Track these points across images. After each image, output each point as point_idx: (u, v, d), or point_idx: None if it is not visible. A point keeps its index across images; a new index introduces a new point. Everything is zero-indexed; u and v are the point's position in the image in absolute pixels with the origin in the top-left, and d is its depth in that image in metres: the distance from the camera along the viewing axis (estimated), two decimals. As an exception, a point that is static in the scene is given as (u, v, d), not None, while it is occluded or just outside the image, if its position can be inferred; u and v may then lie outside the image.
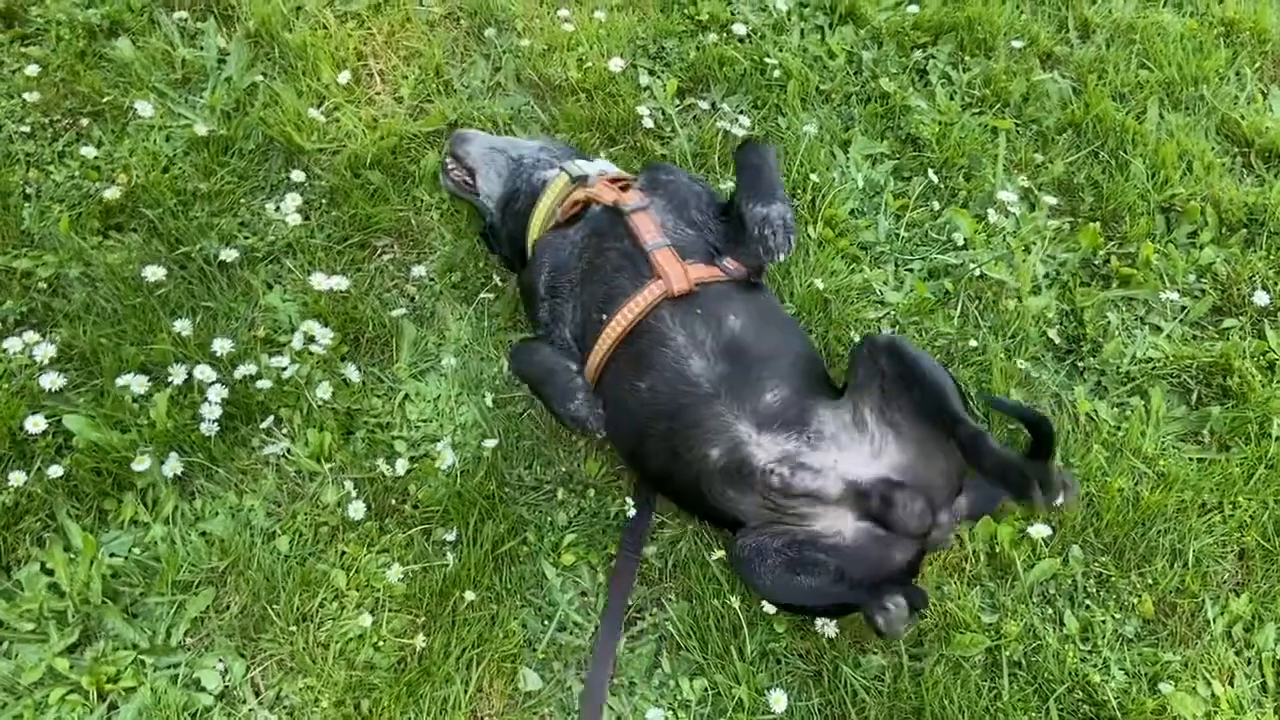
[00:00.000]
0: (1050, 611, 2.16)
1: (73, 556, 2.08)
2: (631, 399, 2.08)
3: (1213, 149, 2.79)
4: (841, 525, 1.99)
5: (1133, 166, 2.72)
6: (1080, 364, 2.47)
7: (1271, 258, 2.61)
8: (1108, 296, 2.54)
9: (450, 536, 2.17)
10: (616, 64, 2.79)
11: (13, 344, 2.23)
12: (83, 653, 2.00)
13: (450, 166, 2.56)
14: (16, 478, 2.10)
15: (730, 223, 2.25)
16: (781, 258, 2.13)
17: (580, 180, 2.36)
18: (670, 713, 2.03)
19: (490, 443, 2.26)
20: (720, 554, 2.14)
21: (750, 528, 2.04)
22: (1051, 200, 2.67)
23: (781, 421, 2.00)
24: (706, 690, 2.05)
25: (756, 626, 2.10)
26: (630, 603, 2.15)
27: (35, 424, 2.14)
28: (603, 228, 2.23)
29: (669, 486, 2.17)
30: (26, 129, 2.65)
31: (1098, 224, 2.64)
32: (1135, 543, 2.21)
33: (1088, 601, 2.17)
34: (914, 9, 3.01)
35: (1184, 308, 2.56)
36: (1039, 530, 2.16)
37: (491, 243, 2.54)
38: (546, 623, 2.12)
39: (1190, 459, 2.33)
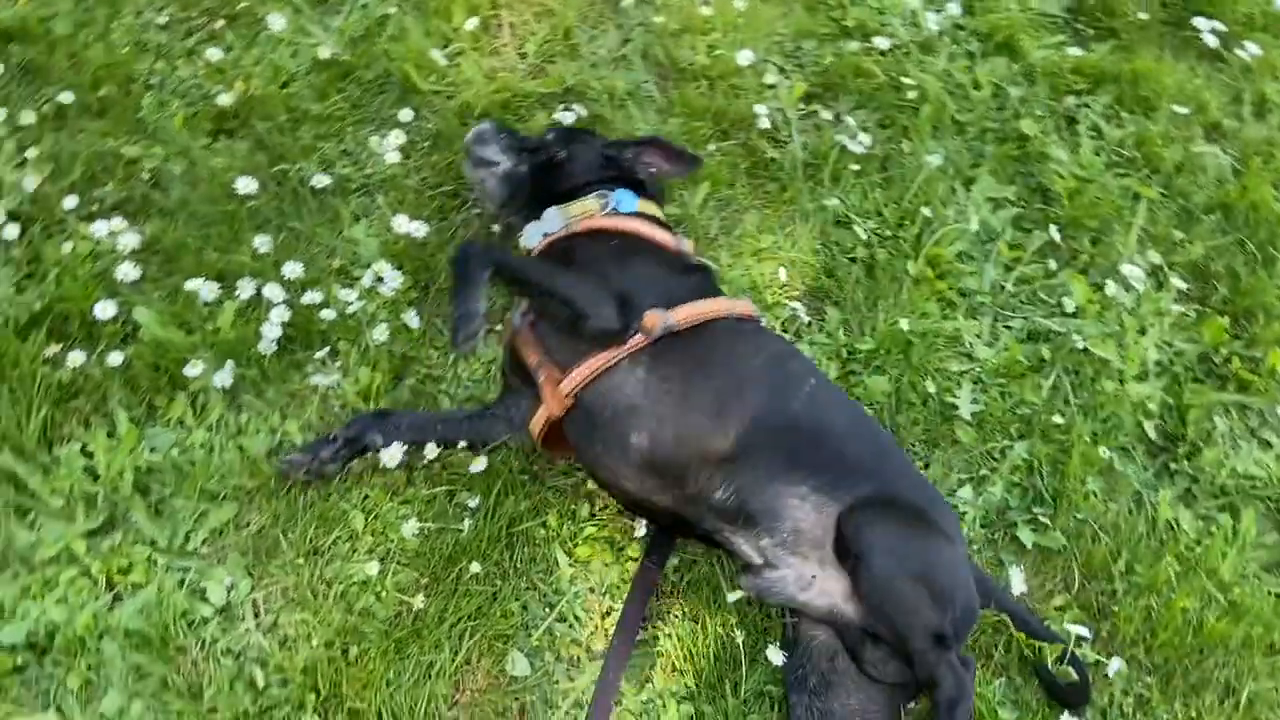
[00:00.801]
0: (1076, 721, 2.01)
1: (114, 444, 2.13)
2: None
3: (1378, 261, 2.53)
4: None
5: (1280, 264, 2.49)
6: (1173, 465, 2.28)
7: None
8: (1220, 399, 2.34)
9: (473, 503, 2.14)
10: (746, 56, 2.69)
11: (100, 228, 2.29)
12: (101, 540, 2.05)
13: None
14: (76, 358, 2.16)
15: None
16: None
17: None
18: (652, 731, 1.97)
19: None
20: (737, 594, 2.05)
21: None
22: (1181, 284, 2.46)
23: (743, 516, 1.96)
24: (692, 718, 1.98)
25: (757, 665, 2.01)
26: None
27: (105, 310, 2.19)
28: None
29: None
30: (163, 21, 2.71)
31: (1226, 319, 2.42)
32: (1188, 670, 2.04)
33: (1120, 720, 2.01)
34: (1077, 51, 2.81)
35: (1305, 429, 2.33)
36: (1076, 629, 2.00)
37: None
38: (548, 610, 2.08)
39: (1270, 593, 2.12)
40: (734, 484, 1.92)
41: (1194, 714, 2.01)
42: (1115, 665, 2.00)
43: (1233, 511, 2.22)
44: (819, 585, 1.88)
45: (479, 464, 2.15)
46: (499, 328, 2.36)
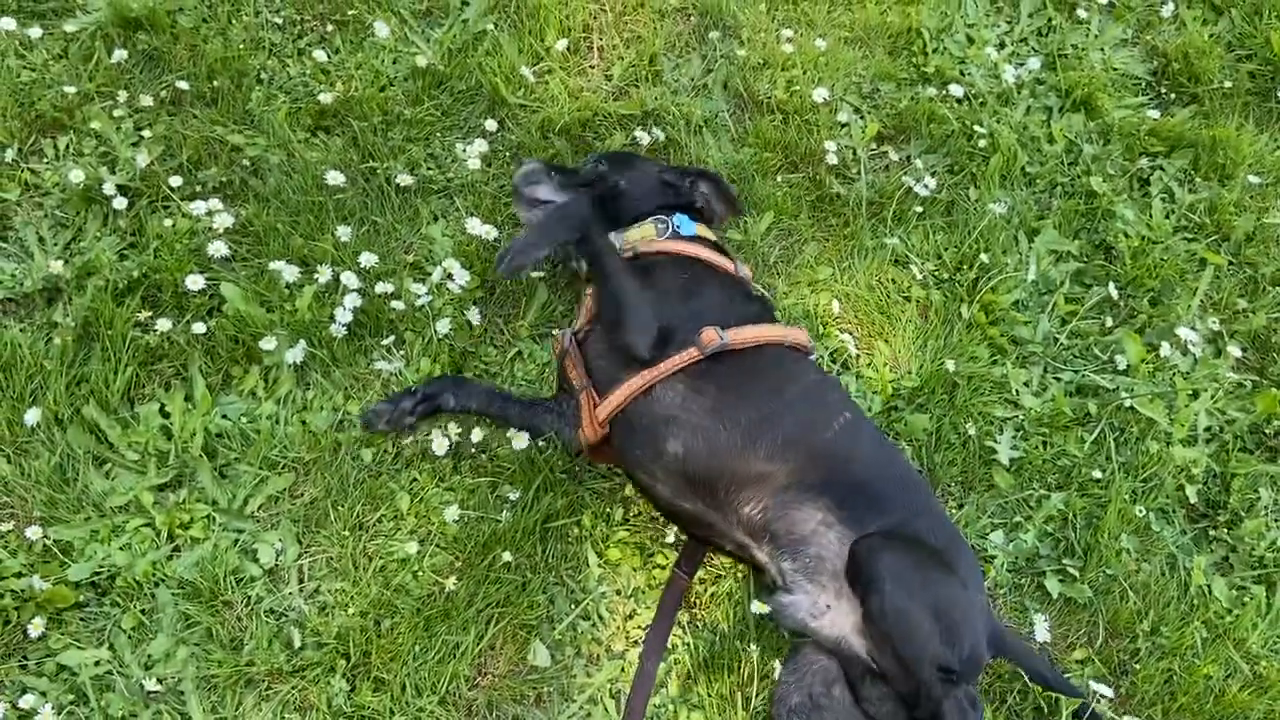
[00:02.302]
0: (1085, 778, 2.00)
1: (190, 407, 2.29)
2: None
3: None
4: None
5: (1346, 342, 2.45)
6: (1212, 533, 2.26)
7: None
8: (1267, 471, 2.31)
9: (513, 495, 2.24)
10: (821, 94, 2.76)
11: (198, 206, 2.46)
12: (167, 495, 2.20)
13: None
14: (164, 324, 2.33)
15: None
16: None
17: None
18: (660, 733, 2.03)
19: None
20: (760, 607, 2.10)
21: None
22: (1238, 351, 2.44)
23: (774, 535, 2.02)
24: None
25: (768, 682, 2.05)
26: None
27: (195, 282, 2.36)
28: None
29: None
30: (279, 20, 2.89)
31: (1282, 392, 2.40)
32: (1205, 738, 2.01)
33: (1131, 782, 1.99)
34: (1155, 114, 2.81)
35: (1354, 509, 2.29)
36: (1099, 687, 2.00)
37: None
38: (574, 606, 2.16)
39: (1300, 671, 2.09)
40: (762, 503, 1.98)
41: (1208, 784, 1.99)
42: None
43: (1269, 584, 2.19)
44: (831, 616, 1.93)
45: (520, 440, 2.24)
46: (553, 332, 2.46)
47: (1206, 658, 2.07)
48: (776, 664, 2.02)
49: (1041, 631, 2.10)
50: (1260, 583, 2.20)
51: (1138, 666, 2.07)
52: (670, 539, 2.22)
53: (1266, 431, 2.37)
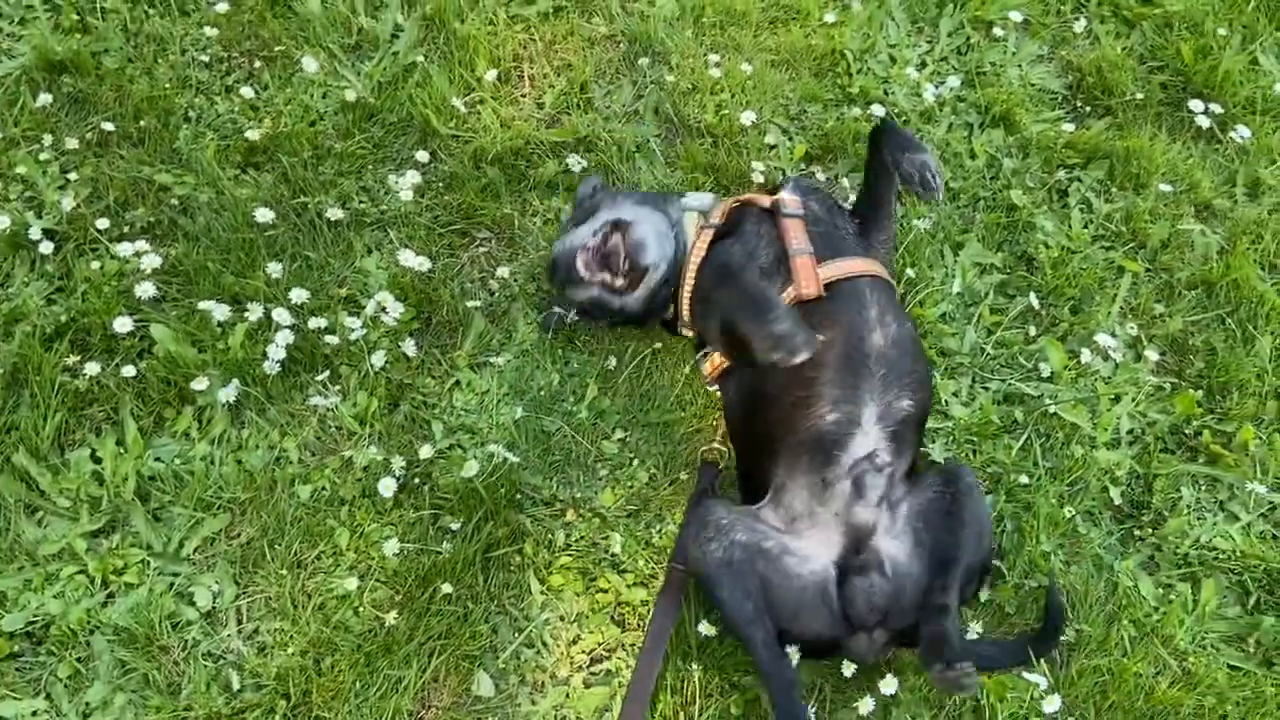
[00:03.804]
0: (1023, 777, 2.04)
1: (122, 451, 2.27)
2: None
3: (1358, 346, 2.57)
4: (817, 556, 2.05)
5: (1259, 343, 2.53)
6: (1137, 533, 2.32)
7: (1389, 475, 2.38)
8: (1188, 470, 2.38)
9: (455, 526, 2.24)
10: (748, 117, 2.81)
11: (125, 248, 2.45)
12: (101, 541, 2.18)
13: (591, 273, 2.35)
14: (93, 368, 2.31)
15: (864, 216, 2.38)
16: (939, 197, 2.16)
17: (706, 214, 2.43)
18: (605, 758, 2.04)
19: (513, 458, 2.31)
20: (708, 629, 2.11)
21: (740, 522, 2.09)
22: (1156, 355, 2.51)
23: (893, 431, 2.06)
24: (648, 750, 2.04)
25: (712, 699, 2.08)
26: (601, 640, 2.17)
27: (123, 325, 2.34)
28: (758, 229, 2.30)
29: (753, 430, 2.22)
30: (205, 58, 2.89)
31: (1200, 393, 2.46)
32: (1136, 734, 2.06)
33: (1066, 780, 2.04)
34: (1071, 127, 2.90)
35: (1273, 505, 2.36)
36: (1033, 677, 2.04)
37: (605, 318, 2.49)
38: (516, 634, 2.17)
39: (1225, 664, 2.15)
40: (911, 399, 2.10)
41: (1141, 779, 2.03)
42: (1056, 704, 2.03)
43: (1194, 581, 2.25)
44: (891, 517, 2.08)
45: (470, 469, 2.25)
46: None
47: (1135, 656, 2.12)
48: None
49: (974, 636, 2.14)
50: (1185, 580, 2.26)
51: (1073, 665, 2.11)
52: (614, 551, 2.24)
53: (1186, 432, 2.44)
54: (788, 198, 2.31)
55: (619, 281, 2.35)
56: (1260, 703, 2.09)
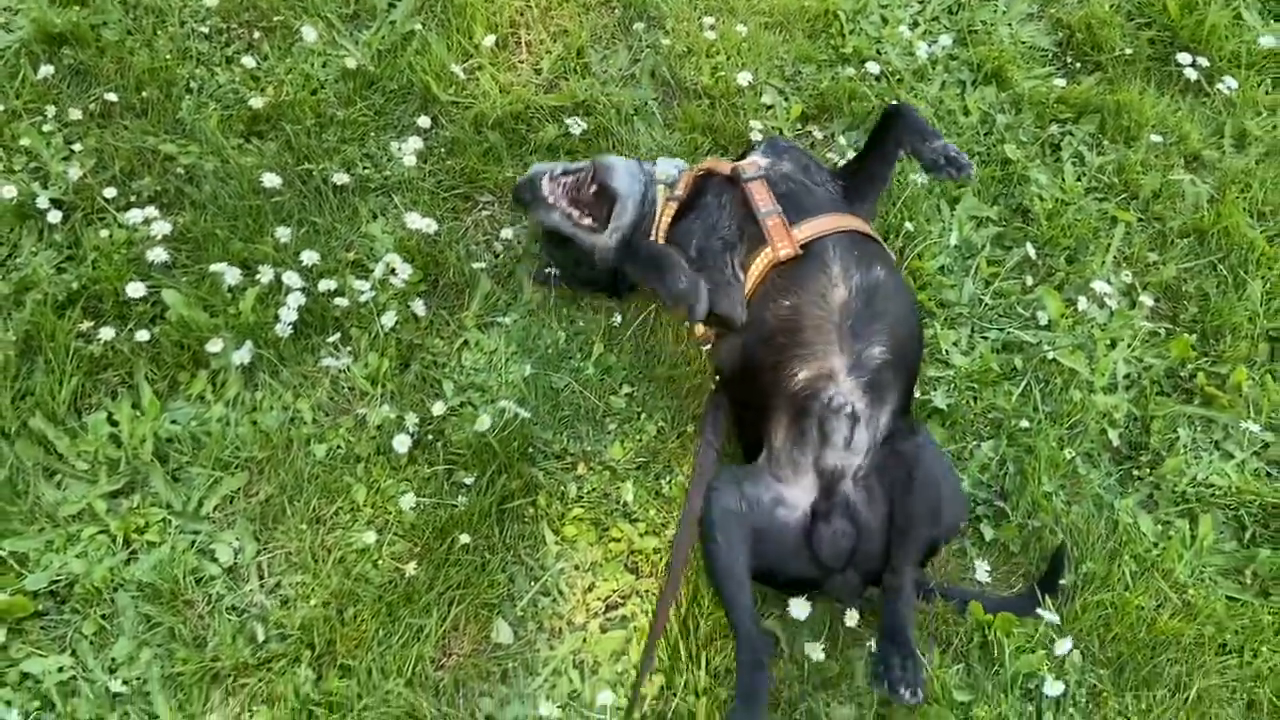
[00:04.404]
0: (1030, 710, 2.10)
1: (138, 414, 2.30)
2: (771, 315, 2.17)
3: (1346, 288, 2.63)
4: (798, 503, 2.13)
5: (1250, 287, 2.59)
6: (1136, 473, 2.38)
7: (1377, 412, 2.45)
8: (1184, 411, 2.44)
9: (469, 481, 2.28)
10: (745, 78, 2.84)
11: (134, 215, 2.47)
12: (120, 501, 2.21)
13: (556, 198, 2.47)
14: (107, 333, 2.33)
15: (852, 182, 2.40)
16: (972, 173, 2.18)
17: (672, 186, 2.46)
18: (625, 698, 2.08)
19: (524, 413, 2.35)
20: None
21: (738, 475, 2.16)
22: (1151, 301, 2.57)
23: (869, 380, 2.10)
24: (663, 690, 2.09)
25: (728, 641, 2.12)
26: (615, 588, 2.21)
27: (135, 290, 2.37)
28: (719, 200, 2.35)
29: (742, 390, 2.28)
30: (205, 30, 2.90)
31: (1194, 337, 2.52)
32: (1139, 664, 2.12)
33: (1072, 710, 2.09)
34: (1062, 83, 2.94)
35: (1266, 443, 2.42)
36: (1048, 615, 2.10)
37: (588, 280, 2.56)
38: (533, 583, 2.21)
39: (1223, 596, 2.21)
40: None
41: (1145, 707, 2.09)
42: (1066, 645, 2.09)
43: (1191, 518, 2.31)
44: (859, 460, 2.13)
45: (483, 422, 2.29)
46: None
47: (1137, 589, 2.18)
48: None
49: (982, 574, 2.20)
50: (1184, 516, 2.32)
51: (1077, 600, 2.17)
52: (626, 501, 2.28)
53: (1181, 375, 2.50)
54: (747, 162, 2.36)
55: (584, 217, 2.45)
56: (1258, 630, 2.15)
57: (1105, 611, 2.16)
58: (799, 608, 2.11)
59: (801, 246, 2.17)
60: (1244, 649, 2.15)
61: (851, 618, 2.11)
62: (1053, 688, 2.03)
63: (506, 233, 2.65)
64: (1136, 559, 2.24)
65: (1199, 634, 2.15)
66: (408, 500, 2.23)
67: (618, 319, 2.53)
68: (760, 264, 2.20)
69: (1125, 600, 2.16)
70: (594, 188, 2.44)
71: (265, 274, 2.41)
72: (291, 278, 2.42)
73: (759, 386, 2.19)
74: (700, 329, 2.38)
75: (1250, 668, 2.12)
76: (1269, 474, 2.40)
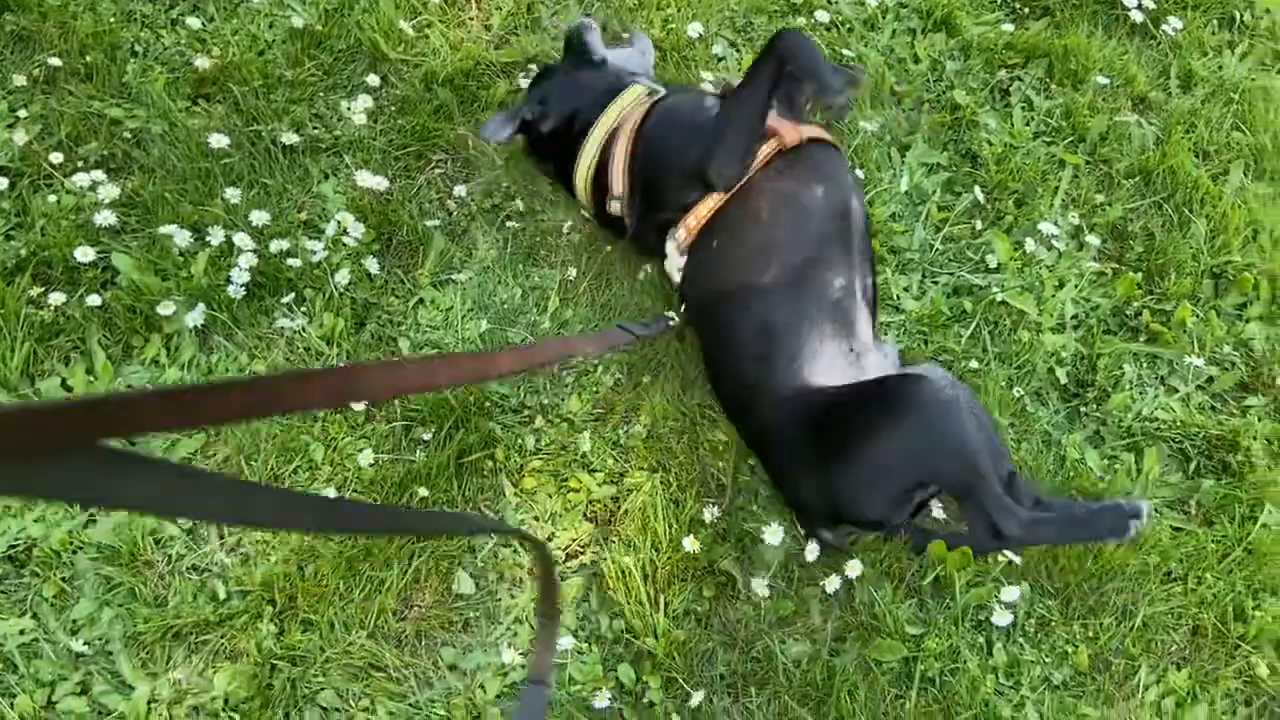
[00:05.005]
0: (981, 641, 2.15)
1: (92, 379, 2.29)
2: (807, 201, 2.18)
3: (1287, 225, 2.68)
4: None
5: (1194, 225, 2.63)
6: (1083, 409, 2.43)
7: (1317, 345, 2.50)
8: (1129, 349, 2.48)
9: (427, 437, 2.29)
10: (695, 29, 2.84)
11: (81, 179, 2.45)
12: (78, 463, 2.21)
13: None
14: (57, 298, 2.32)
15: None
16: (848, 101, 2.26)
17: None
18: (585, 644, 2.12)
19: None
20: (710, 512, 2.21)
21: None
22: (1097, 242, 2.60)
23: (868, 299, 2.20)
24: (623, 633, 2.13)
25: (686, 583, 2.16)
26: (575, 537, 2.24)
27: (85, 254, 2.35)
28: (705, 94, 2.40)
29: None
30: (148, -7, 2.87)
31: (1140, 275, 2.56)
32: (1086, 594, 2.18)
33: (1022, 640, 2.15)
34: (1010, 28, 2.96)
35: (1210, 378, 2.47)
36: (1012, 556, 2.15)
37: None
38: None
39: (1168, 526, 2.27)
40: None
41: (1091, 635, 2.15)
42: (1021, 587, 2.14)
43: (1137, 452, 2.37)
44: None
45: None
46: (455, 278, 2.51)
47: (1084, 522, 2.23)
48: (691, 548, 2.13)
49: (937, 511, 2.24)
50: (1130, 450, 2.37)
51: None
52: (584, 452, 2.30)
53: (1127, 313, 2.54)
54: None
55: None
56: (1202, 557, 2.21)
57: (1053, 547, 2.21)
58: (771, 534, 2.15)
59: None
60: (1188, 576, 2.21)
61: (811, 552, 2.15)
62: (1001, 617, 2.09)
63: (459, 189, 2.64)
64: (1084, 492, 2.29)
65: (1144, 563, 2.21)
66: (365, 457, 2.25)
67: (572, 273, 2.55)
68: (768, 149, 2.21)
69: (1073, 533, 2.21)
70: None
71: (216, 235, 2.40)
72: (242, 239, 2.41)
73: (798, 282, 2.16)
74: (676, 262, 2.35)
75: (1195, 594, 2.19)
76: (1213, 407, 2.45)
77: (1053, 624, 2.16)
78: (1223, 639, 2.16)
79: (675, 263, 2.35)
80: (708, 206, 2.24)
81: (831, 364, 2.12)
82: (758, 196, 2.20)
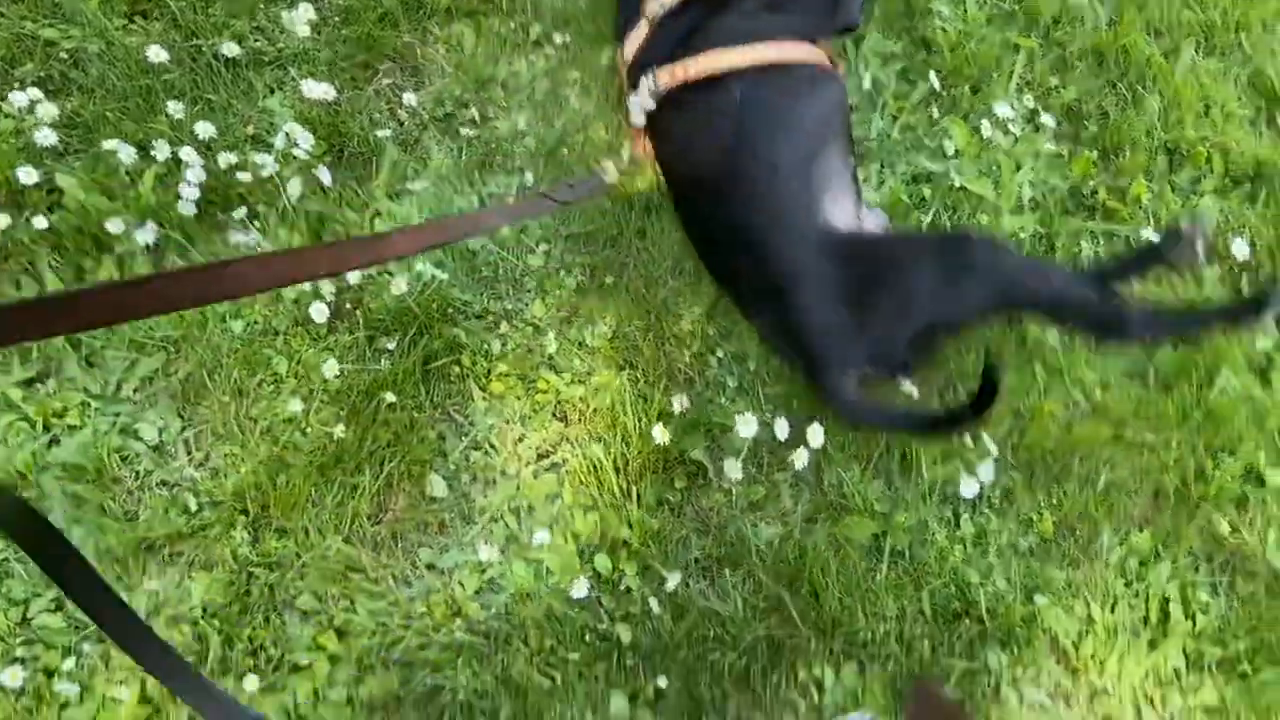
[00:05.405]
0: (949, 514, 2.20)
1: (45, 302, 2.25)
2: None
3: (1238, 99, 2.69)
4: None
5: (1147, 102, 2.64)
6: (1043, 289, 2.45)
7: (1269, 214, 2.53)
8: (1087, 226, 2.50)
9: (391, 345, 2.28)
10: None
11: (18, 98, 2.38)
12: (36, 389, 2.18)
13: None
14: (3, 220, 2.27)
15: None
16: None
17: None
18: (560, 538, 2.14)
19: (442, 274, 2.35)
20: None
21: None
22: (1053, 123, 2.61)
23: None
24: (597, 525, 2.15)
25: (658, 475, 2.18)
26: (545, 437, 2.25)
27: (29, 175, 2.29)
28: None
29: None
30: (74, -91, 2.76)
31: (1095, 154, 2.58)
32: (1049, 464, 2.22)
33: (988, 511, 2.19)
34: (959, -88, 2.92)
35: (1165, 251, 2.50)
36: (990, 448, 2.18)
37: None
38: (463, 439, 2.23)
39: (1130, 395, 2.31)
40: None
41: (1055, 502, 2.20)
42: (987, 469, 2.18)
43: (1096, 325, 2.40)
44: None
45: (399, 285, 2.28)
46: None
47: (1050, 397, 2.27)
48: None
49: (909, 387, 2.26)
50: (1089, 325, 2.40)
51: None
52: (550, 354, 2.30)
53: (1084, 192, 2.56)
54: None
55: None
56: (1165, 421, 2.26)
57: (1019, 420, 2.25)
58: (745, 426, 2.15)
59: None
60: (1148, 441, 2.25)
61: (781, 429, 2.16)
62: (968, 488, 2.13)
63: (409, 98, 2.59)
64: (1046, 368, 2.32)
65: (1117, 434, 2.25)
66: (330, 367, 2.23)
67: (529, 178, 2.52)
68: None
69: (1038, 409, 2.25)
70: None
71: (161, 150, 2.34)
72: (189, 153, 2.36)
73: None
74: (646, 148, 2.15)
75: (1156, 459, 2.24)
76: (1169, 280, 2.48)
77: (1016, 492, 2.20)
78: (1184, 499, 2.21)
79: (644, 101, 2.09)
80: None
81: (850, 216, 1.99)
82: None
